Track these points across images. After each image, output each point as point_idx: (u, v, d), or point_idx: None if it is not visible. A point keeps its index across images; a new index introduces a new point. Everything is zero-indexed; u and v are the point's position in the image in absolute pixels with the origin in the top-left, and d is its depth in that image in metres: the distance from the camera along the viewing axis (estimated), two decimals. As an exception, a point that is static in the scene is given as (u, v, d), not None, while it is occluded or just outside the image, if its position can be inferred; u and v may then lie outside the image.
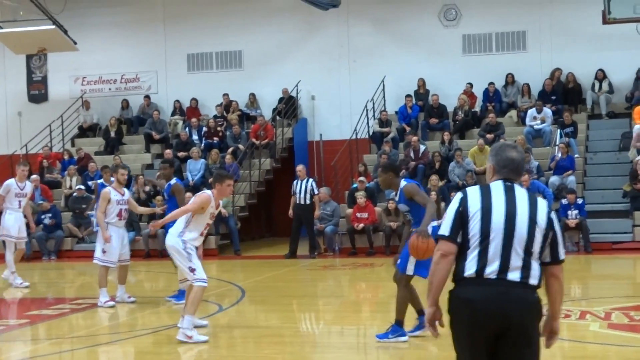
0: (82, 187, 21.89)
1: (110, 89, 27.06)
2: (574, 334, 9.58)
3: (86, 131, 26.39)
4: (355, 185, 20.63)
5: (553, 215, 4.61)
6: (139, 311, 12.37)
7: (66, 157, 24.30)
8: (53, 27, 23.65)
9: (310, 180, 19.38)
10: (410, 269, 8.98)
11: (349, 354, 9.36)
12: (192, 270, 9.69)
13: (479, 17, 24.41)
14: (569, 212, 18.71)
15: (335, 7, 23.60)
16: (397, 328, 9.18)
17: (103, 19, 26.60)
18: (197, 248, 9.91)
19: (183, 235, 9.75)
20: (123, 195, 12.83)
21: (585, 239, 18.54)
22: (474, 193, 4.61)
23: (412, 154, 21.53)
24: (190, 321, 9.62)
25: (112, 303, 12.62)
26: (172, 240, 9.82)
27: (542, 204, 4.60)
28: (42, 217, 21.19)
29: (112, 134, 25.26)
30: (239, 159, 22.83)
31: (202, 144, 23.92)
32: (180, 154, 23.35)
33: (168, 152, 23.05)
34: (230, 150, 23.05)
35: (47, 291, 15.73)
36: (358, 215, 19.63)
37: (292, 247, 19.36)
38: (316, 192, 19.17)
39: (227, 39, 25.89)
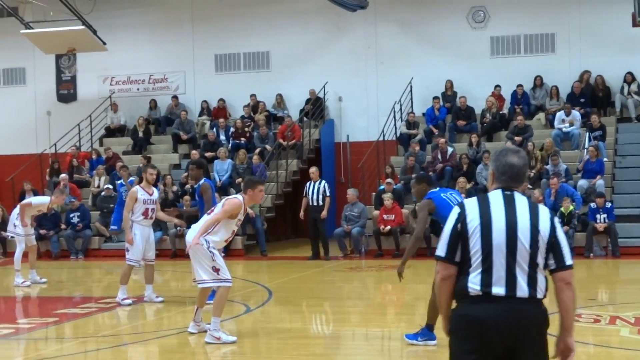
0: (110, 186, 22.01)
1: (138, 89, 27.19)
2: (602, 339, 9.51)
3: (114, 131, 26.53)
4: (382, 187, 20.59)
5: (556, 221, 4.43)
6: (165, 311, 12.41)
7: (94, 156, 24.45)
8: (82, 27, 23.82)
9: (323, 182, 19.39)
10: None
11: (374, 357, 9.34)
12: (216, 270, 9.61)
13: (507, 19, 24.29)
14: (598, 215, 18.57)
15: (362, 8, 23.58)
16: (427, 332, 9.17)
17: (132, 19, 26.74)
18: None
19: (207, 235, 9.66)
20: (151, 194, 12.85)
21: (614, 243, 18.38)
22: (471, 207, 4.39)
23: (439, 156, 21.46)
24: (217, 322, 9.60)
25: (129, 301, 12.69)
26: (191, 236, 9.71)
27: (543, 212, 4.42)
28: (71, 216, 21.35)
29: (140, 134, 25.38)
30: (266, 159, 22.86)
31: (230, 145, 23.98)
32: (208, 154, 23.42)
33: (195, 153, 23.12)
34: (257, 150, 23.09)
35: (75, 290, 15.82)
36: (385, 217, 19.59)
37: (314, 249, 19.39)
38: (328, 193, 19.19)
39: (254, 40, 25.93)
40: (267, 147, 23.43)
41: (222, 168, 22.57)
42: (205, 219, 9.83)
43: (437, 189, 9.42)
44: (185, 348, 9.79)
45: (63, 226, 21.42)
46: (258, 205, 21.14)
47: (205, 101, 26.04)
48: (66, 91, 27.78)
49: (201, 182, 12.66)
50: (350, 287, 15.71)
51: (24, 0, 25.52)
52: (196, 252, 9.64)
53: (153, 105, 26.51)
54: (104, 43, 24.49)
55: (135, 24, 26.82)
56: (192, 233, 9.76)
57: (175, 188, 21.82)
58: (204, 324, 10.17)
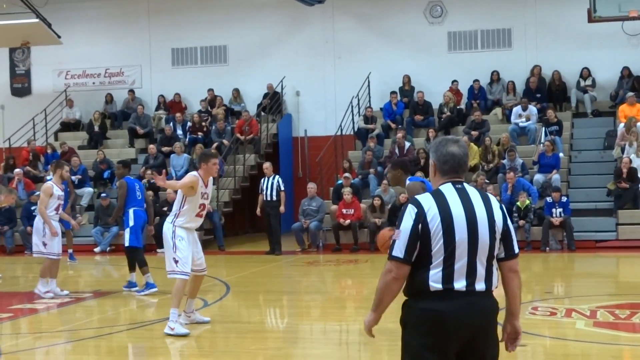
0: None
1: (94, 83, 26.92)
2: (559, 331, 9.59)
3: (70, 126, 26.24)
4: (340, 182, 20.60)
5: (504, 209, 4.44)
6: (123, 305, 12.31)
7: (49, 151, 24.15)
8: (37, 20, 23.50)
9: (277, 177, 19.35)
10: None
11: (332, 350, 9.33)
12: (176, 261, 9.70)
13: (464, 14, 24.42)
14: (554, 210, 18.74)
15: (320, 2, 23.57)
16: None
17: (87, 12, 26.46)
18: (190, 231, 9.88)
19: (175, 220, 9.84)
20: (63, 191, 13.33)
21: (569, 237, 18.57)
22: (428, 204, 4.29)
23: (397, 151, 21.52)
24: (175, 314, 9.63)
25: (50, 295, 12.83)
26: (165, 226, 9.91)
27: (494, 202, 4.42)
28: (32, 208, 21.04)
29: (96, 129, 25.13)
30: (223, 154, 22.75)
31: (187, 139, 23.84)
32: (165, 148, 23.27)
33: (152, 147, 22.97)
34: (214, 145, 22.97)
35: (30, 285, 15.61)
36: (344, 211, 19.61)
37: (271, 243, 19.35)
38: (282, 188, 19.14)
39: (211, 33, 25.80)
40: (225, 141, 23.33)
41: (178, 163, 22.45)
42: (170, 183, 10.43)
43: (413, 175, 9.49)
44: (143, 342, 9.70)
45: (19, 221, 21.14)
46: (215, 200, 21.06)
47: (162, 95, 25.85)
48: (20, 85, 27.42)
49: (121, 180, 13.55)
50: (308, 281, 15.70)
51: (-23, -8, 25.13)
52: (164, 241, 9.87)
53: (109, 99, 26.27)
54: (59, 36, 24.19)
55: (90, 17, 26.53)
56: (166, 224, 9.98)
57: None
58: (195, 315, 10.30)
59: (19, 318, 11.51)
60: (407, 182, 9.20)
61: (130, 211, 13.34)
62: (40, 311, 11.94)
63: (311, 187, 20.31)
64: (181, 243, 9.74)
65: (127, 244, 13.34)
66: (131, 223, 13.30)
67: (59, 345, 9.79)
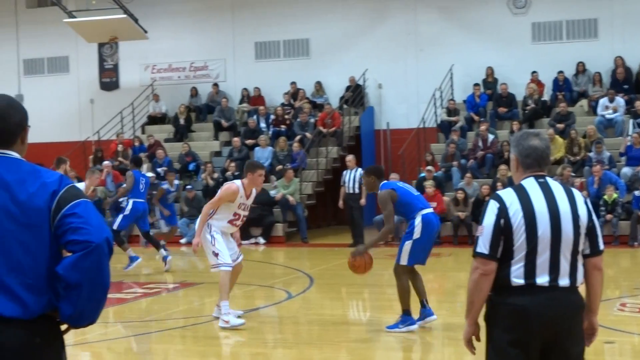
0: (152, 174, 22.17)
1: (179, 77, 27.34)
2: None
3: (156, 119, 26.72)
4: (422, 175, 20.55)
5: (589, 204, 4.40)
6: (208, 297, 12.52)
7: (137, 144, 24.65)
8: (124, 15, 24.02)
9: (359, 169, 19.31)
10: (404, 259, 9.36)
11: (414, 344, 9.36)
12: (216, 254, 9.84)
13: (549, 5, 24.04)
14: (641, 203, 18.37)
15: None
16: (406, 317, 9.42)
17: (172, 7, 26.88)
18: (226, 234, 10.00)
19: (209, 219, 9.93)
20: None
21: (658, 231, 18.17)
22: (511, 199, 4.28)
23: (480, 143, 21.36)
24: (227, 306, 9.79)
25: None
26: (196, 232, 10.04)
27: (579, 197, 4.39)
28: (121, 200, 21.46)
29: (182, 122, 25.54)
30: (306, 147, 22.91)
31: (270, 132, 24.06)
32: (248, 141, 23.53)
33: (236, 140, 23.26)
34: (297, 138, 23.13)
35: (121, 276, 15.99)
36: (426, 204, 19.51)
37: (354, 236, 19.39)
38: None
39: (294, 27, 25.95)
40: (307, 134, 23.46)
41: (262, 155, 22.67)
42: (201, 217, 10.09)
43: (385, 181, 9.73)
44: (229, 333, 9.87)
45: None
46: (298, 193, 21.24)
47: (245, 89, 26.12)
48: (109, 79, 28.02)
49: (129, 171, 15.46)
50: (390, 274, 15.61)
51: (67, -11, 25.78)
52: (202, 237, 9.93)
53: (194, 93, 26.65)
54: (145, 31, 24.67)
55: (176, 12, 26.95)
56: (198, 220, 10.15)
57: (216, 175, 21.95)
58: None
59: (108, 307, 11.82)
60: (380, 190, 9.47)
61: (131, 201, 15.34)
62: (129, 301, 12.24)
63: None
64: (218, 236, 9.87)
65: (115, 227, 15.02)
66: (127, 212, 15.24)
67: (146, 335, 10.03)
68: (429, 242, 9.48)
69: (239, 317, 10.05)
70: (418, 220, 9.30)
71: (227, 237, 10.11)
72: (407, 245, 9.35)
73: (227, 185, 10.14)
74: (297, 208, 20.81)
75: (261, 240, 20.40)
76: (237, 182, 10.14)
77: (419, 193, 9.74)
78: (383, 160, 25.00)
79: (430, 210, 9.48)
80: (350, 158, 19.55)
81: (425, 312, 9.62)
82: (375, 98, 25.54)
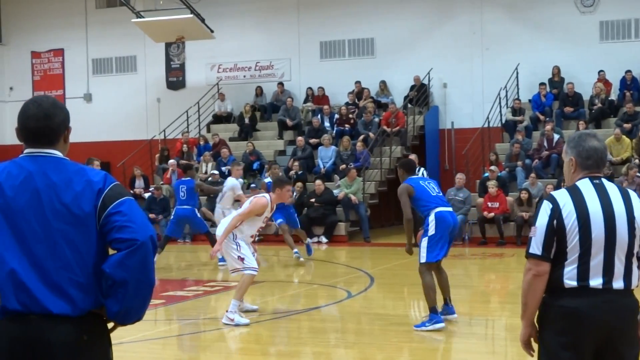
0: (217, 172, 22.41)
1: (244, 76, 27.56)
2: None
3: (221, 118, 26.98)
4: (486, 175, 20.42)
5: None
6: (269, 295, 12.63)
7: (202, 142, 24.93)
8: (191, 15, 24.32)
9: (422, 169, 19.20)
10: (422, 257, 9.66)
11: (476, 345, 9.33)
12: (241, 259, 10.11)
13: (617, 3, 23.65)
14: None
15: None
16: (433, 316, 9.59)
17: (238, 7, 27.10)
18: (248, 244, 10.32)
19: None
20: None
21: None
22: (564, 200, 4.23)
23: (545, 143, 21.14)
24: (236, 305, 10.06)
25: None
26: (221, 230, 10.35)
27: (635, 198, 4.32)
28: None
29: (247, 121, 25.75)
30: (369, 146, 22.92)
31: (334, 131, 24.13)
32: (312, 140, 23.63)
33: (300, 139, 23.38)
34: (361, 137, 23.16)
35: (184, 273, 16.22)
36: (489, 204, 19.43)
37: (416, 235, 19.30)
38: None
39: (359, 26, 25.96)
40: (371, 134, 23.47)
41: (326, 155, 22.74)
42: (232, 216, 10.40)
43: (417, 176, 10.24)
44: (290, 332, 9.95)
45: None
46: (361, 192, 21.26)
47: (310, 88, 26.22)
48: (175, 79, 28.38)
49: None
50: (453, 274, 15.60)
51: (135, -10, 26.19)
52: (224, 245, 10.20)
53: (259, 92, 26.84)
54: (212, 31, 24.94)
55: (241, 12, 27.17)
56: (221, 228, 10.41)
57: (280, 174, 22.06)
58: (245, 304, 10.72)
59: (171, 305, 12.00)
60: (403, 184, 9.92)
61: (174, 209, 16.65)
62: (191, 298, 12.40)
63: (460, 177, 20.16)
64: (242, 243, 10.16)
65: (165, 233, 16.81)
66: (172, 218, 16.69)
67: (207, 332, 10.16)
68: (443, 238, 9.72)
69: (254, 310, 10.67)
70: (432, 218, 9.67)
71: (254, 248, 10.49)
72: (424, 242, 9.71)
73: (256, 199, 10.28)
74: (359, 207, 20.84)
75: (324, 239, 20.47)
76: (267, 196, 10.35)
77: (439, 193, 10.05)
78: (447, 159, 24.90)
79: (446, 208, 9.82)
80: (413, 157, 19.48)
81: (447, 309, 9.92)
82: (439, 97, 25.43)
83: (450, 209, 9.97)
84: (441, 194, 10.13)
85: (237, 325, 9.93)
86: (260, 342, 9.68)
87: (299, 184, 21.24)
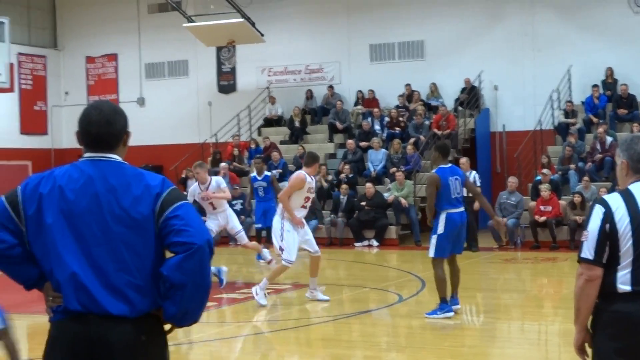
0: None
1: (294, 80, 27.64)
2: None
3: (272, 121, 27.10)
4: (538, 178, 20.24)
5: None
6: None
7: (253, 146, 25.07)
8: (242, 19, 24.48)
9: (473, 172, 19.07)
10: (431, 252, 10.50)
11: (529, 351, 9.26)
12: (281, 249, 11.32)
13: (673, 3, 23.32)
14: None
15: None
16: (443, 305, 10.42)
17: (288, 10, 27.20)
18: (296, 226, 11.38)
19: (284, 214, 11.38)
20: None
21: None
22: (617, 204, 4.18)
23: (598, 146, 20.89)
24: (266, 283, 11.56)
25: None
26: (275, 219, 11.58)
27: None
28: (234, 203, 21.89)
29: (297, 124, 25.83)
30: (420, 149, 22.85)
31: (384, 134, 24.10)
32: (362, 143, 23.63)
33: (351, 142, 23.39)
34: (412, 140, 23.10)
35: (236, 275, 16.31)
36: (542, 208, 19.24)
37: (468, 240, 19.20)
38: (478, 183, 18.89)
39: (409, 29, 25.89)
40: (422, 137, 23.39)
41: (376, 158, 22.72)
42: (281, 198, 11.61)
43: (449, 165, 10.70)
44: (341, 335, 9.97)
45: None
46: (412, 195, 21.21)
47: (360, 91, 26.22)
48: (226, 82, 28.58)
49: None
50: (505, 279, 15.57)
51: (187, -5, 26.45)
52: (275, 221, 11.57)
53: (309, 95, 26.91)
54: (262, 35, 25.07)
55: (291, 15, 27.27)
56: (276, 218, 11.68)
57: (330, 177, 22.13)
58: (317, 293, 11.82)
59: (223, 307, 12.09)
60: (433, 172, 10.73)
61: None
62: (241, 301, 12.46)
63: (512, 181, 20.00)
64: (288, 234, 11.26)
65: None
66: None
67: (258, 335, 10.23)
68: (451, 237, 10.44)
69: (326, 301, 11.86)
70: (442, 217, 10.42)
71: (305, 232, 11.57)
72: (433, 239, 10.49)
73: (295, 175, 11.71)
74: (410, 211, 20.79)
75: (374, 242, 20.45)
76: (302, 171, 11.66)
77: (459, 195, 10.61)
78: (499, 162, 24.74)
79: (457, 210, 10.52)
80: (464, 161, 19.36)
81: (452, 300, 10.64)
82: (490, 100, 25.27)
83: (461, 209, 10.67)
84: (460, 196, 10.71)
85: (255, 300, 11.39)
86: (312, 345, 9.71)
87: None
